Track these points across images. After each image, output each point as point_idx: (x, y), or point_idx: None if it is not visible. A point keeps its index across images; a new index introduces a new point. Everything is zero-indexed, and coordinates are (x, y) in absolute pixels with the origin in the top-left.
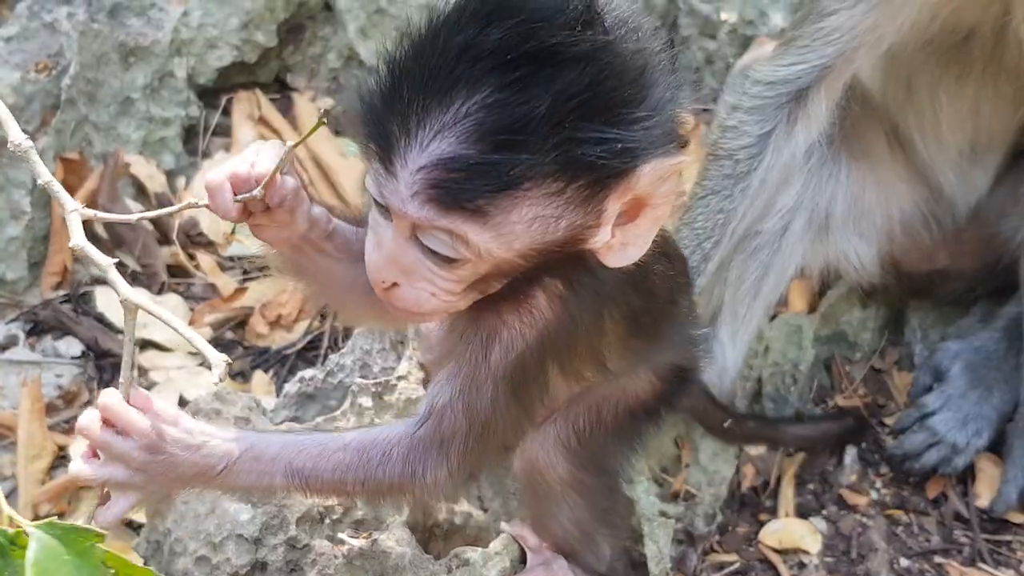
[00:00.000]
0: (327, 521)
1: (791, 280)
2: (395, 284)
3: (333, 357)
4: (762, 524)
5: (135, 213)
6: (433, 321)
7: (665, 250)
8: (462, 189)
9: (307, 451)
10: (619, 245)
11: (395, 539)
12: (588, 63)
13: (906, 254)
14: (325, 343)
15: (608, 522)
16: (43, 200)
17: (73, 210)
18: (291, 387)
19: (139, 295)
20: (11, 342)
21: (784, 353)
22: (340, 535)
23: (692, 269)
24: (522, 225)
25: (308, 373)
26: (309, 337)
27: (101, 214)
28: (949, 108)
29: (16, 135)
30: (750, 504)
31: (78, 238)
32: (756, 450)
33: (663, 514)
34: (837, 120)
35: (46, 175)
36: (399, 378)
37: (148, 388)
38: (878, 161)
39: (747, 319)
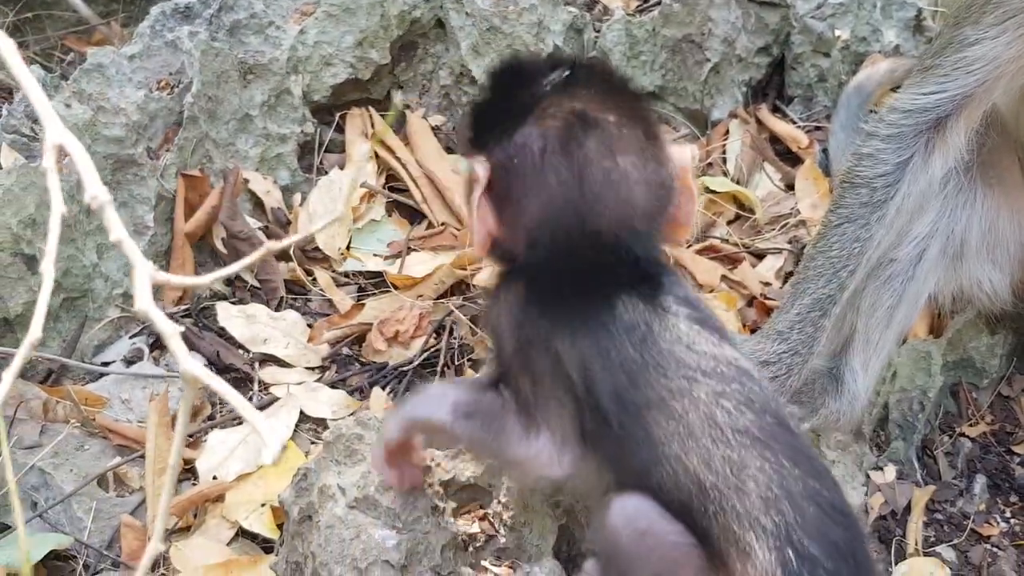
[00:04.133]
0: (471, 549)
1: (923, 307)
2: None
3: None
4: (889, 553)
5: (207, 275)
6: None
7: None
8: None
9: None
10: None
11: (546, 570)
12: None
13: None
14: (441, 360)
15: None
16: (165, 216)
17: (144, 272)
18: None
19: (196, 366)
20: (136, 356)
21: (912, 379)
22: (483, 563)
23: (828, 297)
24: None
25: None
26: (426, 354)
27: (174, 278)
28: None
29: (95, 188)
30: (877, 534)
31: (143, 301)
32: (884, 478)
33: None
34: (974, 148)
35: (121, 232)
36: None
37: (269, 403)
38: (1012, 188)
39: (880, 347)
